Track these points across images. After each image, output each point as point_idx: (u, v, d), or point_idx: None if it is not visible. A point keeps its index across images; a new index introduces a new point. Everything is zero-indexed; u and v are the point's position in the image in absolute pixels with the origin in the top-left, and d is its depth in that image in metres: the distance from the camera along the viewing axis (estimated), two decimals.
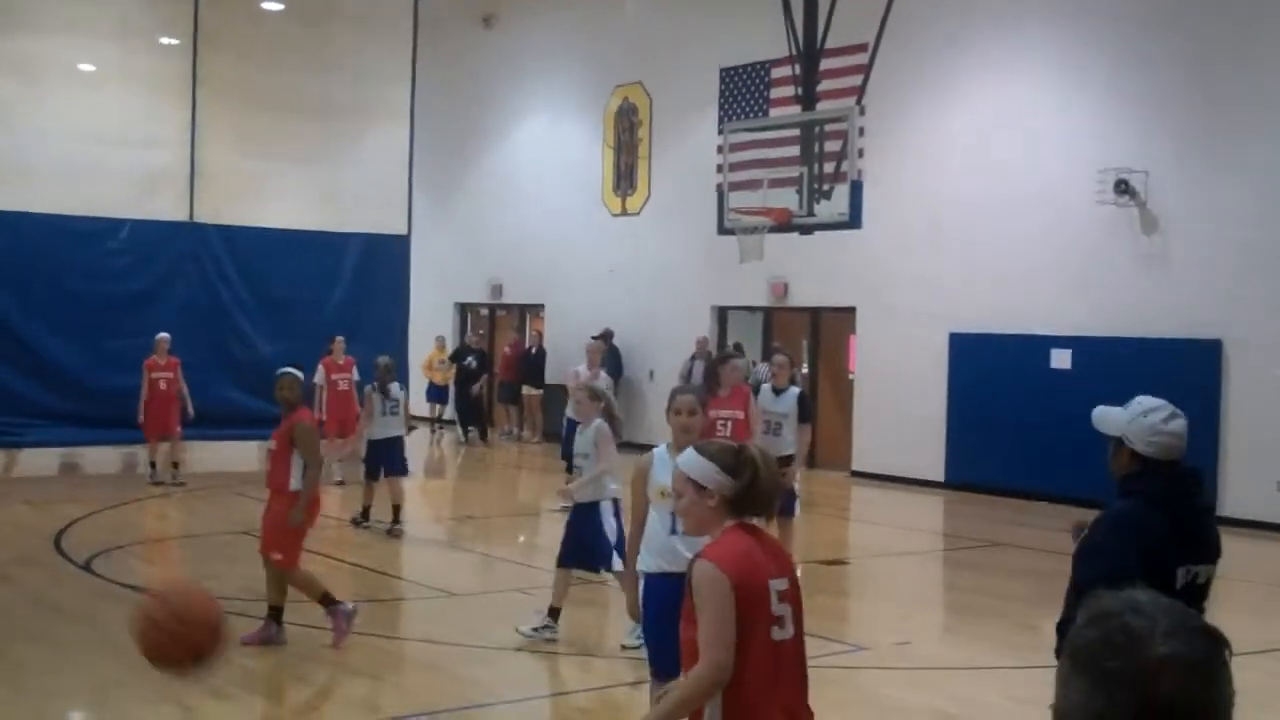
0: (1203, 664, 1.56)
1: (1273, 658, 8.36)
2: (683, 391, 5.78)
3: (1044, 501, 15.03)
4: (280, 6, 19.52)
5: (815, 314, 19.33)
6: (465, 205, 24.75)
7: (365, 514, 13.11)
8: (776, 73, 19.04)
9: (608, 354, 19.43)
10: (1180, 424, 3.81)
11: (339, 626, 8.10)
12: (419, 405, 21.82)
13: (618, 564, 8.16)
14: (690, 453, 3.75)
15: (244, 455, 17.50)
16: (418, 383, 21.74)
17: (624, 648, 8.15)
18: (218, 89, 18.46)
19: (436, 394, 23.19)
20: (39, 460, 17.57)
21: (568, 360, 18.73)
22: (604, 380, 14.37)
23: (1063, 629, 3.39)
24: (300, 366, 8.45)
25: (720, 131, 19.11)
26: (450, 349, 23.68)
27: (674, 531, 5.38)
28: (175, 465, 15.99)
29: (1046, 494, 15.09)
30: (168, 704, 7.12)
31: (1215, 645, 1.59)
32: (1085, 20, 15.67)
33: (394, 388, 13.37)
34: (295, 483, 8.10)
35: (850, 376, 18.81)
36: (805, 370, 19.15)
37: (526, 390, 22.38)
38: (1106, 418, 3.89)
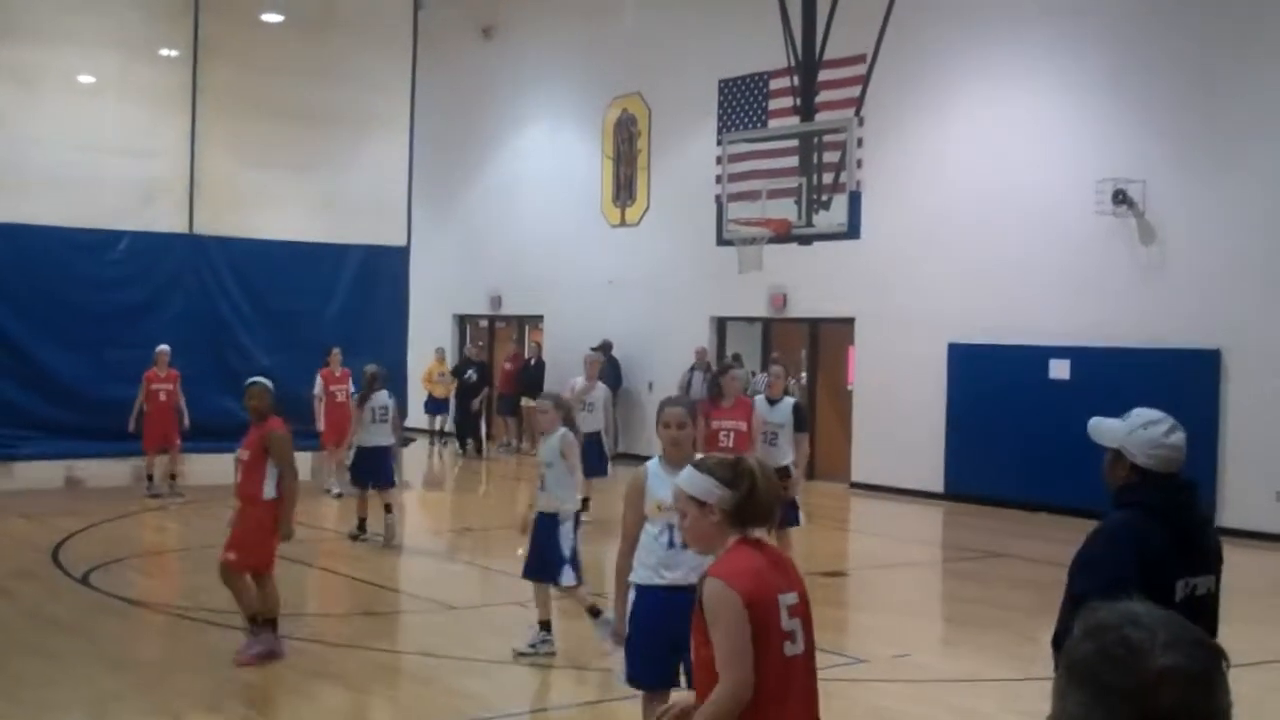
0: (1202, 675, 1.56)
1: (1272, 669, 8.33)
2: (672, 404, 5.68)
3: (1044, 512, 15.01)
4: (280, 18, 19.53)
5: (814, 325, 19.32)
6: (464, 216, 24.76)
7: (361, 526, 13.08)
8: (775, 84, 19.06)
9: (606, 365, 19.42)
10: (1181, 437, 3.79)
11: (250, 647, 8.05)
12: (418, 418, 21.81)
13: (568, 578, 8.14)
14: (688, 470, 3.75)
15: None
16: (417, 395, 21.72)
17: (518, 654, 8.16)
18: (217, 99, 18.47)
19: (436, 407, 23.11)
20: (36, 473, 17.53)
21: (567, 372, 18.71)
22: (601, 391, 14.35)
23: (1058, 642, 3.37)
24: (266, 379, 8.42)
25: (719, 142, 19.14)
26: (450, 360, 23.66)
27: (672, 545, 5.35)
28: (173, 477, 15.97)
29: (1046, 504, 15.06)
30: (164, 718, 7.10)
31: (1214, 657, 1.59)
32: (1082, 31, 15.69)
33: (381, 396, 13.33)
34: (268, 492, 8.05)
35: (849, 387, 18.80)
36: (804, 380, 19.14)
37: (525, 402, 22.35)
38: (1103, 429, 3.86)
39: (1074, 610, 3.43)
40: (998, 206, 16.35)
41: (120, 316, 17.52)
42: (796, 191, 17.66)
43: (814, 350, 19.53)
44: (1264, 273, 14.08)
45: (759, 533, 3.70)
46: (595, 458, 14.10)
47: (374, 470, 13.11)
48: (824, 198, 17.86)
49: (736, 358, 18.72)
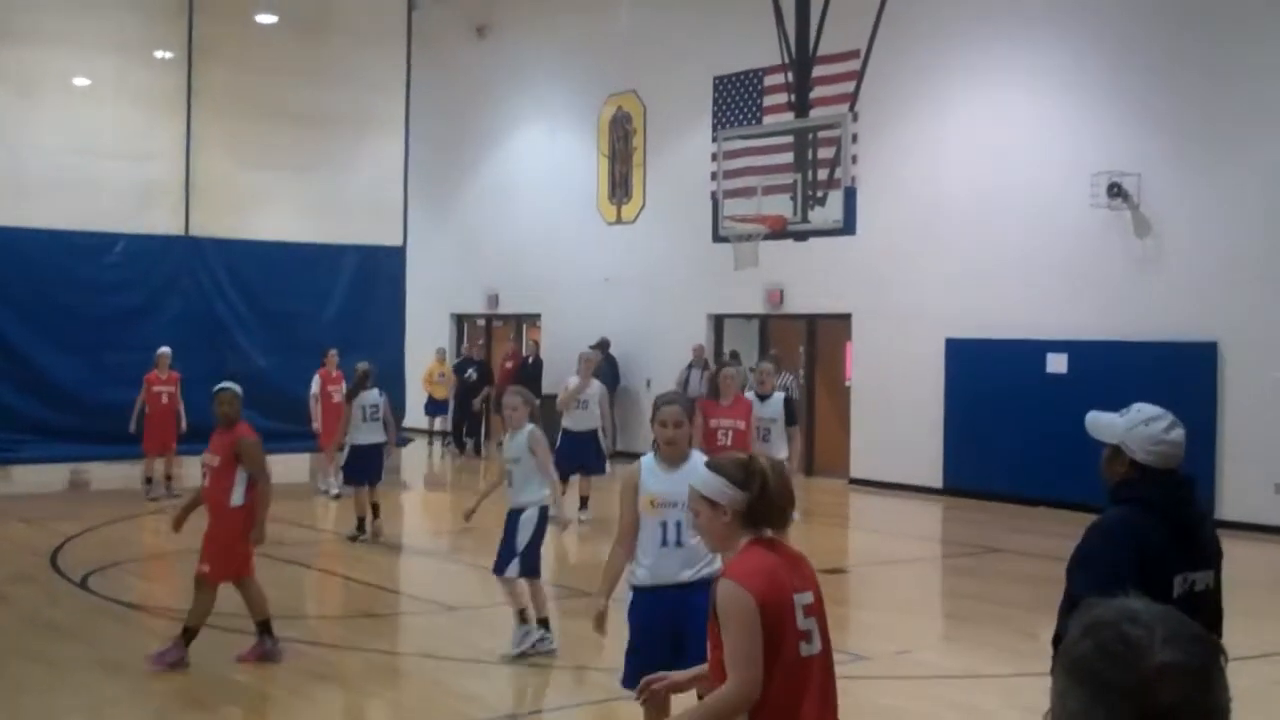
0: (1201, 671, 1.56)
1: (1270, 662, 8.33)
2: (668, 401, 5.57)
3: (1042, 506, 15.01)
4: (275, 19, 19.52)
5: (811, 321, 19.32)
6: (461, 216, 24.75)
7: (361, 525, 13.08)
8: (769, 80, 19.06)
9: (604, 363, 19.41)
10: (1180, 433, 3.79)
11: (258, 649, 8.06)
12: (417, 418, 21.79)
13: (512, 570, 8.15)
14: (702, 469, 3.76)
15: None
16: (416, 396, 21.71)
17: (506, 656, 8.17)
18: (213, 102, 18.46)
19: (436, 408, 22.99)
20: (35, 476, 17.52)
21: (566, 370, 18.71)
22: (596, 389, 14.34)
23: (1059, 642, 3.36)
24: (235, 384, 8.42)
25: (714, 139, 19.12)
26: (450, 360, 23.62)
27: (665, 543, 5.34)
28: (169, 479, 15.96)
29: (1044, 499, 15.07)
30: None
31: (1212, 652, 1.59)
32: (1077, 24, 15.69)
33: (372, 394, 13.34)
34: (236, 499, 7.99)
35: (847, 383, 18.80)
36: (801, 377, 19.12)
37: None
38: (1101, 424, 3.85)
39: (1071, 608, 3.43)
40: (993, 201, 16.35)
41: (118, 319, 17.52)
42: (792, 188, 17.65)
43: (811, 346, 19.53)
44: (1260, 265, 14.08)
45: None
46: (593, 456, 14.11)
47: (368, 468, 13.12)
48: (819, 194, 17.85)
49: (734, 355, 18.70)
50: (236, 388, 8.30)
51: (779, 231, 17.23)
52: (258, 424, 18.37)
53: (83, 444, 17.22)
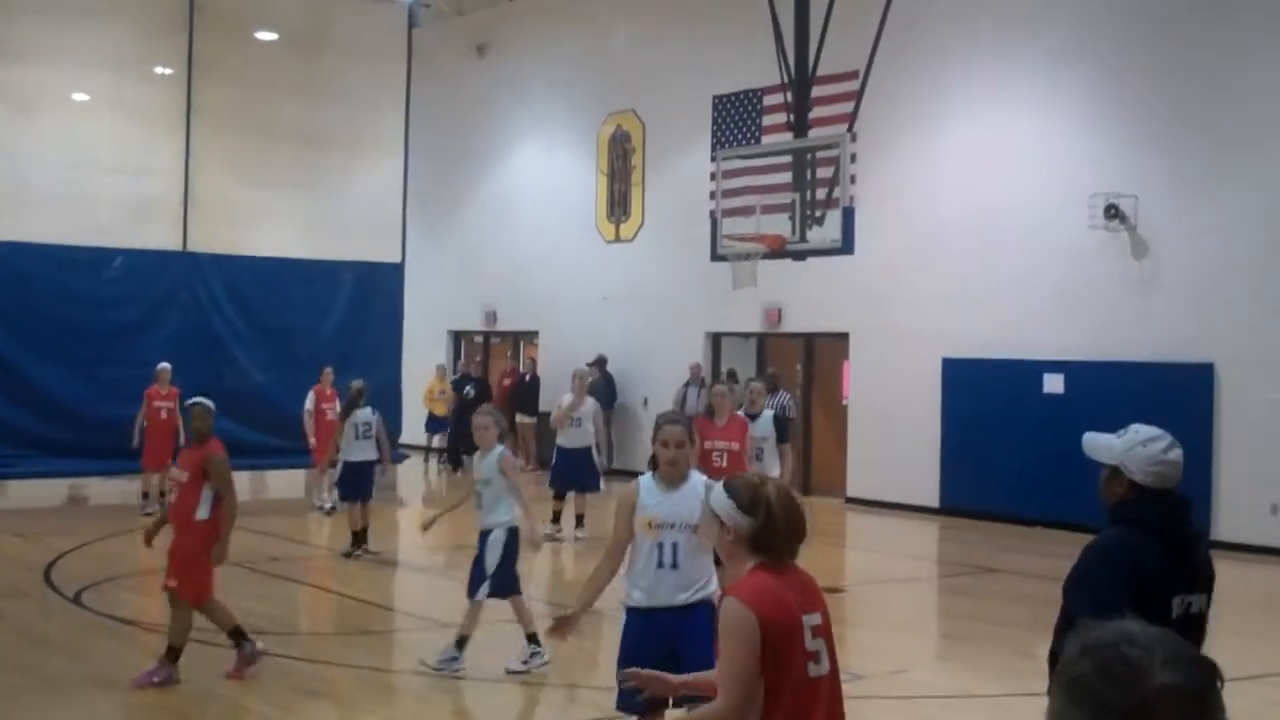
0: (1199, 693, 1.56)
1: (1267, 683, 8.31)
2: (671, 421, 5.55)
3: (1039, 526, 15.00)
4: (274, 36, 19.56)
5: (809, 340, 19.33)
6: (459, 233, 24.77)
7: (355, 540, 13.04)
8: (768, 100, 19.11)
9: (601, 381, 19.40)
10: (1179, 454, 3.78)
11: (241, 660, 8.01)
12: (415, 435, 21.74)
13: (481, 593, 8.15)
14: (718, 487, 3.75)
15: (237, 485, 17.38)
16: (416, 413, 21.68)
17: (424, 664, 8.15)
18: (212, 118, 18.49)
19: (436, 424, 22.89)
20: (31, 491, 17.47)
21: (563, 387, 18.71)
22: (590, 406, 14.34)
23: (1054, 660, 3.35)
24: (209, 400, 8.41)
25: (713, 158, 19.14)
26: (449, 377, 23.59)
27: (661, 565, 5.33)
28: (163, 495, 15.90)
29: (1041, 519, 15.05)
30: None
31: (1210, 674, 1.59)
32: (1074, 47, 15.74)
33: (365, 412, 13.37)
34: (201, 514, 7.95)
35: (844, 402, 18.80)
36: (799, 396, 19.11)
37: (520, 418, 22.31)
38: (1099, 445, 3.84)
39: (1068, 628, 3.42)
40: (991, 221, 16.38)
41: (115, 334, 17.50)
42: (790, 207, 17.64)
43: (809, 365, 19.53)
44: (1257, 287, 14.11)
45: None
46: (587, 473, 14.10)
47: (360, 485, 13.14)
48: (818, 213, 17.85)
49: (731, 374, 18.71)
50: (209, 402, 8.30)
51: (777, 251, 17.23)
52: (254, 439, 18.36)
53: (80, 459, 17.17)
